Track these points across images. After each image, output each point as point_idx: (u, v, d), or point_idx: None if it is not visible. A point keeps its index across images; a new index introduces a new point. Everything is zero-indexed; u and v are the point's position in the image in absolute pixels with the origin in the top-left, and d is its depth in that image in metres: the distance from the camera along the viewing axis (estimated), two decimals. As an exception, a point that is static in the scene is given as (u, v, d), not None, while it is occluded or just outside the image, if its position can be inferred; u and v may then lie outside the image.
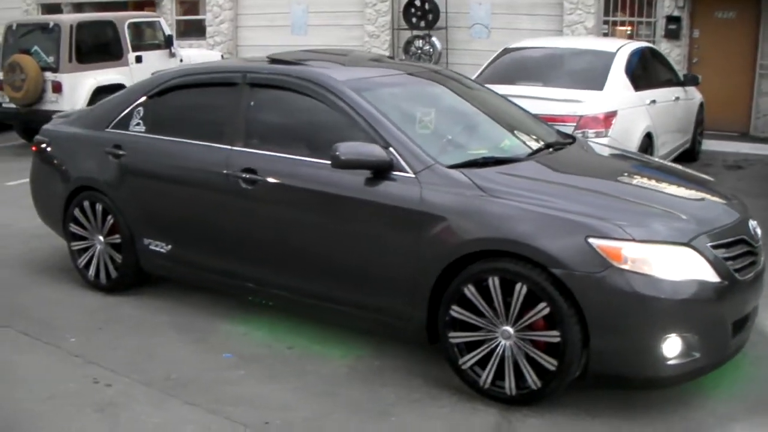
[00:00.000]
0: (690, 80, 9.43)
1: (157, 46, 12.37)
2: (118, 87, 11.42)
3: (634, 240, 3.63)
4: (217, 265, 4.84)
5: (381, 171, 4.14)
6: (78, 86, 11.04)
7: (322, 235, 4.38)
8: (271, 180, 4.52)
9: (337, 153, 4.05)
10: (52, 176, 5.74)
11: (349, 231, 4.27)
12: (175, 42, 12.88)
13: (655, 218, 3.83)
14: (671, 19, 12.80)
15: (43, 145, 5.85)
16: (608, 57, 7.81)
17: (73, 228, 5.54)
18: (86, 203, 5.42)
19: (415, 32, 15.05)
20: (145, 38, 12.31)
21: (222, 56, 14.33)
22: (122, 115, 5.38)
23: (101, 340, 4.69)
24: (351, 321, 4.49)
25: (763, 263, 4.14)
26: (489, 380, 3.89)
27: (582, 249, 3.62)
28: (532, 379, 3.78)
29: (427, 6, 14.71)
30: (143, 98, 5.32)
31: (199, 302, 5.25)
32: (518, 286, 3.72)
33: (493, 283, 3.78)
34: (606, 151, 5.35)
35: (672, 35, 12.74)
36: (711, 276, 3.69)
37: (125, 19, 11.90)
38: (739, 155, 10.98)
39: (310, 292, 4.48)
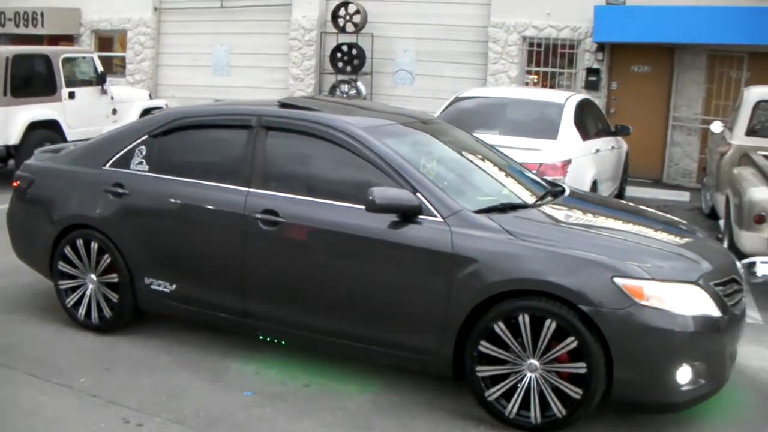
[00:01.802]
0: (621, 131, 10.07)
1: (89, 83, 12.14)
2: (52, 123, 11.24)
3: (654, 279, 4.00)
4: (229, 304, 4.88)
5: (409, 215, 4.36)
6: (11, 121, 10.69)
7: (348, 277, 4.52)
8: (293, 222, 4.63)
9: (372, 197, 4.24)
10: (38, 213, 5.60)
11: (377, 272, 4.44)
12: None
13: (668, 259, 4.24)
14: (591, 71, 13.68)
15: (26, 182, 5.74)
16: (558, 108, 8.32)
17: (63, 266, 5.44)
18: (79, 242, 5.35)
19: (341, 77, 15.37)
20: (78, 74, 12.06)
21: (150, 95, 14.19)
22: (122, 153, 5.34)
23: (113, 381, 4.65)
24: (375, 358, 4.62)
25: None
26: (515, 410, 4.15)
27: (608, 288, 3.96)
28: (557, 408, 4.06)
29: (354, 51, 15.09)
30: (145, 137, 5.31)
31: (197, 341, 5.26)
32: (548, 322, 4.01)
33: (524, 319, 4.06)
34: (598, 199, 5.74)
35: (591, 86, 13.58)
36: (714, 311, 4.10)
37: (60, 53, 11.63)
38: (659, 201, 11.79)
39: (333, 332, 4.59)
